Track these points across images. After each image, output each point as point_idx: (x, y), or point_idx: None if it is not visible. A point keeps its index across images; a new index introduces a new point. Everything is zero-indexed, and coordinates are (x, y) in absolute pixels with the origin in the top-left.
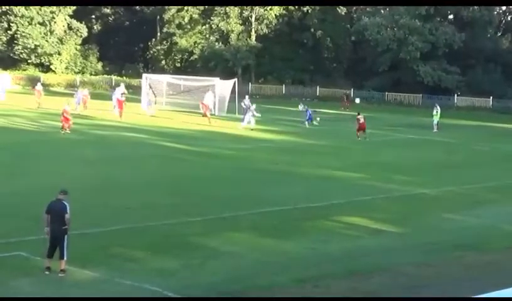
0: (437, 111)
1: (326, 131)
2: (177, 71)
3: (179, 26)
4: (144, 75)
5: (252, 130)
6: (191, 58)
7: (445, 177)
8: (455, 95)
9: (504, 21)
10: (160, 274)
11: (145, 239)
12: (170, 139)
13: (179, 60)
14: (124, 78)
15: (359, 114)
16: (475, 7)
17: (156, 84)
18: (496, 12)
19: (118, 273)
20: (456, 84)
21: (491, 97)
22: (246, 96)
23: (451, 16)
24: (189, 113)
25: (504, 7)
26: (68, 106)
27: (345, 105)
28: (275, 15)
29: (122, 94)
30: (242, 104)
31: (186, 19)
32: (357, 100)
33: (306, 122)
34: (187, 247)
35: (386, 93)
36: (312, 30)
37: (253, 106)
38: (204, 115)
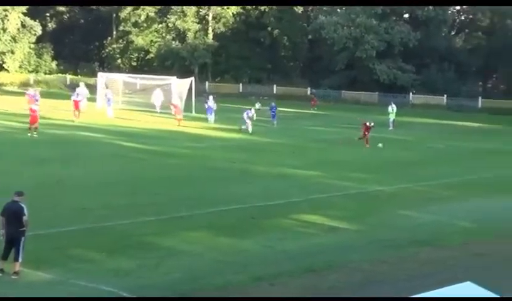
0: (392, 109)
1: (283, 129)
2: (134, 69)
3: (135, 25)
4: (100, 74)
5: (213, 128)
6: (148, 56)
7: (401, 175)
8: (411, 93)
9: (457, 20)
10: (116, 275)
11: (101, 239)
12: (127, 138)
13: (135, 59)
14: (79, 76)
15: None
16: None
17: (112, 83)
18: (450, 12)
19: (73, 274)
20: (411, 83)
21: (445, 95)
22: (210, 97)
23: (406, 15)
24: (146, 112)
25: (458, 7)
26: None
27: (313, 104)
28: (232, 13)
29: (77, 94)
30: (205, 104)
31: (142, 18)
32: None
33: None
34: (143, 247)
35: (343, 92)
36: (269, 29)
37: (253, 110)
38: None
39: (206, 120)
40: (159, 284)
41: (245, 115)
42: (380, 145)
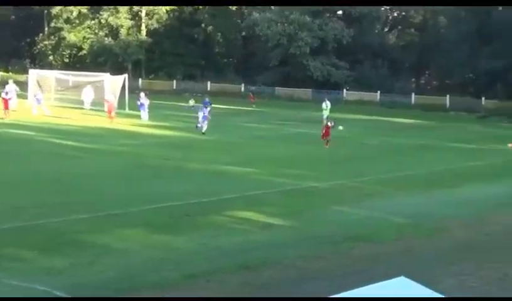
0: (326, 106)
1: (217, 126)
2: (66, 66)
3: (67, 21)
4: (31, 71)
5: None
6: (80, 53)
7: (336, 171)
8: (344, 90)
9: (390, 17)
10: (50, 273)
11: (34, 238)
12: (60, 136)
13: (67, 55)
14: (10, 73)
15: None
16: None
17: (44, 80)
18: (383, 8)
19: (5, 274)
20: (345, 79)
21: (379, 92)
22: (142, 94)
23: (340, 12)
24: (79, 109)
25: None
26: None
27: (251, 100)
28: (166, 10)
29: (6, 93)
30: (138, 101)
31: (75, 14)
32: (341, 127)
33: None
34: (77, 245)
35: (277, 88)
36: (203, 25)
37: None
38: (109, 112)
39: (139, 117)
40: (93, 282)
41: (200, 115)
42: (341, 127)
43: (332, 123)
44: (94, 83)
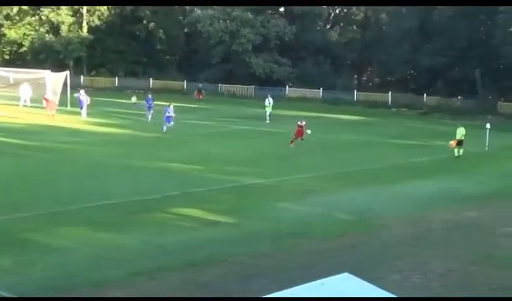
0: (269, 103)
1: (160, 123)
2: (6, 63)
3: (7, 17)
4: None
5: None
6: (20, 49)
7: (279, 167)
8: (287, 87)
9: (332, 14)
10: None
11: None
12: (1, 133)
13: (7, 52)
14: None
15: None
16: None
17: None
18: (324, 6)
19: None
20: (287, 76)
21: (321, 88)
22: (82, 91)
23: (282, 9)
24: (21, 106)
25: None
26: None
27: (197, 97)
28: (107, 7)
29: None
30: (77, 96)
31: (15, 10)
32: (309, 131)
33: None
34: (19, 243)
35: (220, 85)
36: (145, 22)
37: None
38: (51, 110)
39: (80, 114)
40: (35, 281)
41: (164, 116)
42: (309, 131)
43: (304, 123)
44: (36, 80)
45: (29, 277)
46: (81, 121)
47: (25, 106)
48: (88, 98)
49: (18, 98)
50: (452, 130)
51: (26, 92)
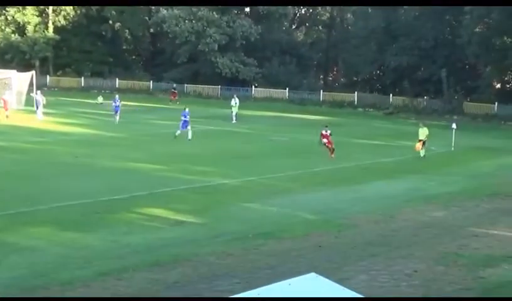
0: (235, 103)
1: (126, 123)
2: None
3: None
4: None
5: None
6: None
7: (245, 168)
8: (253, 87)
9: (298, 14)
10: None
11: None
12: None
13: None
14: None
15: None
16: None
17: None
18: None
19: None
20: (253, 76)
21: (287, 88)
22: (38, 92)
23: (247, 9)
24: None
25: None
26: None
27: (172, 98)
28: (73, 7)
29: None
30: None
31: None
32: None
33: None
34: None
35: (186, 85)
36: (111, 22)
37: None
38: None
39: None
40: (2, 280)
41: (181, 121)
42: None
43: (328, 131)
44: (1, 80)
45: None
46: (47, 120)
47: None
48: (44, 98)
49: None
50: (417, 129)
51: None
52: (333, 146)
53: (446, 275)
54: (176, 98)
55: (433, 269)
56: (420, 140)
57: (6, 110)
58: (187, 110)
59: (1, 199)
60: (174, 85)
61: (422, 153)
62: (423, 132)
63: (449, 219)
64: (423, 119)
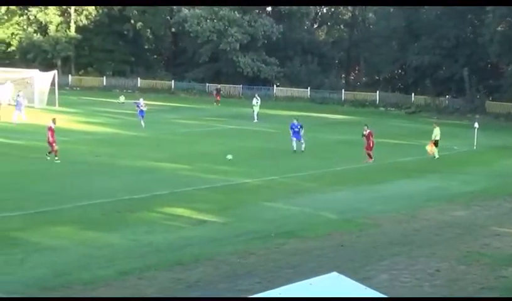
0: (257, 102)
1: (148, 123)
2: None
3: None
4: None
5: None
6: (9, 49)
7: (266, 167)
8: (274, 86)
9: (320, 13)
10: None
11: None
12: None
13: None
14: None
15: (367, 127)
16: None
17: None
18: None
19: None
20: (275, 75)
21: (309, 88)
22: (20, 93)
23: (269, 8)
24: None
25: None
26: None
27: (216, 99)
28: (95, 6)
29: None
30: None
31: (3, 10)
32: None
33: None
34: (7, 242)
35: (207, 84)
36: (132, 21)
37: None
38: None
39: (69, 113)
40: (24, 280)
41: (292, 132)
42: (229, 156)
43: (368, 131)
44: (24, 80)
45: (18, 276)
46: (70, 120)
47: (10, 105)
48: (26, 101)
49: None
50: (440, 129)
51: (7, 91)
52: (369, 151)
53: (468, 274)
54: (219, 99)
55: (455, 268)
56: (432, 140)
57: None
58: (295, 121)
59: (23, 198)
60: (218, 86)
61: (436, 154)
62: (436, 132)
63: (471, 218)
64: (445, 118)
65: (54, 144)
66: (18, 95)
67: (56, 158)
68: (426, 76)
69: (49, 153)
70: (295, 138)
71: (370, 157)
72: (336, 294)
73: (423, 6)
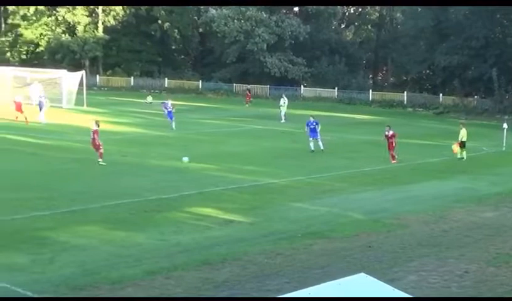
0: (284, 102)
1: (176, 122)
2: (23, 63)
3: (24, 17)
4: None
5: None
6: (37, 49)
7: (293, 167)
8: (302, 86)
9: (347, 14)
10: (9, 270)
11: None
12: (16, 132)
13: (24, 52)
14: None
15: (389, 128)
16: None
17: (0, 77)
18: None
19: None
20: (302, 76)
21: (336, 88)
22: (41, 93)
23: (296, 8)
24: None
25: None
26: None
27: (247, 100)
28: (122, 7)
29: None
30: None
31: (31, 10)
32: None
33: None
34: (36, 242)
35: (235, 85)
36: (160, 22)
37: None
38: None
39: (97, 113)
40: (53, 279)
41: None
42: (185, 159)
43: (390, 132)
44: (52, 80)
45: (46, 275)
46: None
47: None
48: (48, 102)
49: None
50: (467, 129)
51: (36, 92)
52: (393, 152)
53: (497, 276)
54: (250, 100)
55: (484, 270)
56: (458, 141)
57: (21, 112)
58: (311, 119)
59: (52, 197)
60: (248, 87)
61: (463, 155)
62: (462, 133)
63: (500, 219)
64: (473, 119)
65: (100, 147)
66: (40, 96)
67: (101, 160)
68: (454, 77)
69: (100, 158)
70: (311, 138)
71: (393, 158)
72: (364, 295)
73: (450, 6)
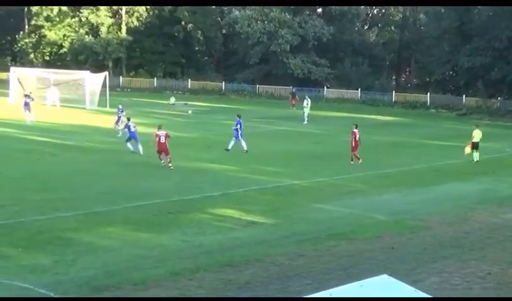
0: (307, 104)
1: (197, 123)
2: (47, 64)
3: (48, 19)
4: (12, 69)
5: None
6: (61, 51)
7: (316, 168)
8: (325, 87)
9: (371, 15)
10: (33, 271)
11: (16, 235)
12: (39, 133)
13: (48, 53)
14: None
15: (356, 127)
16: None
17: (25, 79)
18: (362, 6)
19: None
20: (325, 77)
21: (359, 89)
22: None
23: (319, 10)
24: (61, 107)
25: None
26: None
27: (292, 103)
28: (146, 8)
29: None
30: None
31: (55, 12)
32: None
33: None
34: (59, 243)
35: (258, 86)
36: (183, 23)
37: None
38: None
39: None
40: (76, 280)
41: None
42: (190, 111)
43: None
44: (76, 81)
45: (69, 276)
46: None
47: (53, 106)
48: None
49: (61, 99)
50: (491, 131)
51: (53, 93)
52: (355, 152)
53: None
54: (295, 103)
55: (506, 271)
56: (471, 142)
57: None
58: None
59: (75, 198)
60: (294, 89)
61: (475, 157)
62: (476, 134)
63: None
64: (497, 120)
65: (168, 151)
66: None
67: (164, 163)
68: (478, 78)
69: (169, 161)
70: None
71: (357, 158)
72: (386, 296)
73: (474, 6)
